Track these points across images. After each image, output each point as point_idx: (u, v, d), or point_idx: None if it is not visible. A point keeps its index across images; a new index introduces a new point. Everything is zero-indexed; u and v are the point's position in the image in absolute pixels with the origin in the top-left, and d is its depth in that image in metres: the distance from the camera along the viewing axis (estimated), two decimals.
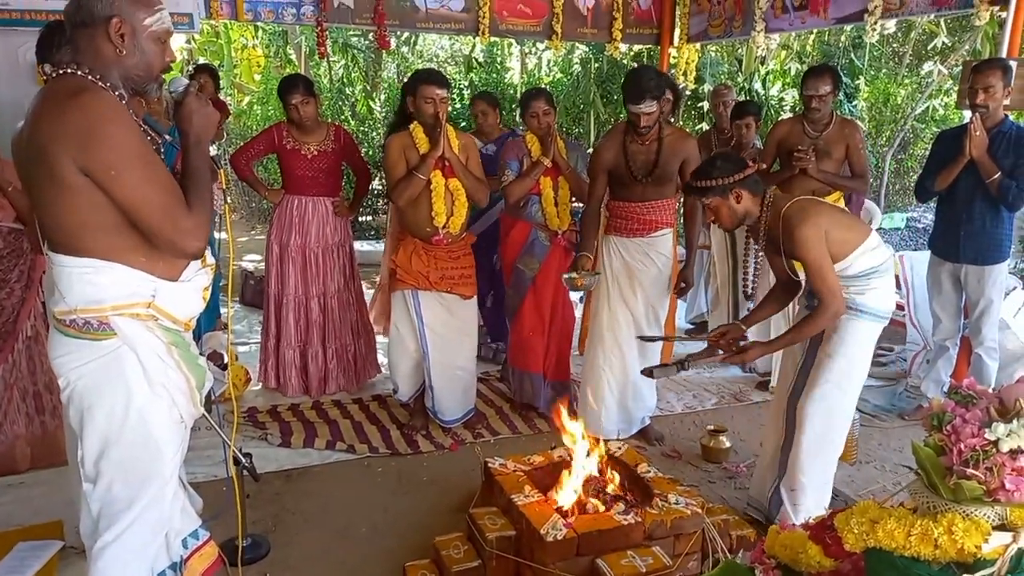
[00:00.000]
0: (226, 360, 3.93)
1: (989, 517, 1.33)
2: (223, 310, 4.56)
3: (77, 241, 1.72)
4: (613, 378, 3.58)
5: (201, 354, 2.01)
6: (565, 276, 3.44)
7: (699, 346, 3.14)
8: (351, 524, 3.03)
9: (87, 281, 1.73)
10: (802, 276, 4.13)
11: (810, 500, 2.80)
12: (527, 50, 11.23)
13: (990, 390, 1.42)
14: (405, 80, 4.70)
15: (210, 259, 1.95)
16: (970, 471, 1.30)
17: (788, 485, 2.85)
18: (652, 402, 3.83)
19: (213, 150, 1.96)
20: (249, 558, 2.74)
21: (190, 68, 8.90)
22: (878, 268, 2.67)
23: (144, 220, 1.71)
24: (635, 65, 3.48)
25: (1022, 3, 3.70)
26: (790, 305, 4.06)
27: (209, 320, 4.27)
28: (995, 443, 1.31)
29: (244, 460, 2.55)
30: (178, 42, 10.01)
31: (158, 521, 1.89)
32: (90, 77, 1.72)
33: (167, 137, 1.98)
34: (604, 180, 3.54)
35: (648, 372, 2.94)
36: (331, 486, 3.34)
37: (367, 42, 10.32)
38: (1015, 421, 1.31)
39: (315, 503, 3.19)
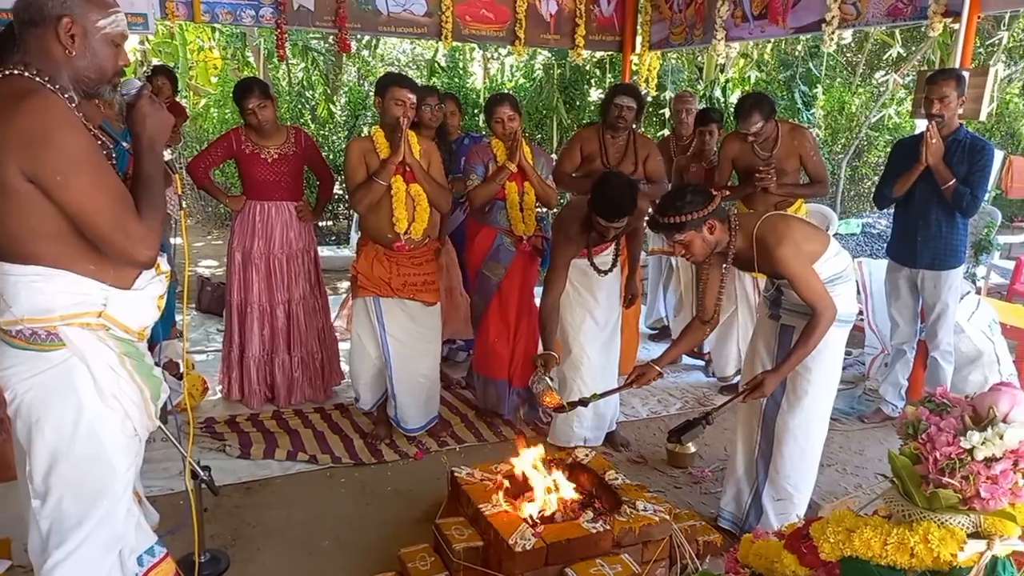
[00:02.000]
0: (182, 369, 3.82)
1: (964, 525, 1.33)
2: (179, 318, 4.43)
3: (23, 248, 1.65)
4: (584, 385, 3.56)
5: (157, 364, 1.94)
6: (536, 383, 3.10)
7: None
8: (313, 537, 2.96)
9: (34, 290, 1.66)
10: (750, 288, 4.23)
11: (800, 509, 2.83)
12: (490, 55, 11.22)
13: (963, 397, 1.43)
14: (364, 84, 4.65)
15: (165, 266, 1.89)
16: (946, 480, 1.31)
17: (775, 496, 2.87)
18: (616, 399, 3.83)
19: (168, 154, 1.88)
20: (207, 574, 2.66)
21: (145, 70, 8.69)
22: (841, 274, 2.70)
23: (92, 227, 1.64)
24: (608, 179, 3.24)
25: (973, 15, 3.80)
26: (753, 308, 4.13)
27: (165, 328, 4.14)
28: (970, 451, 1.31)
29: (202, 473, 2.47)
30: (131, 43, 9.76)
31: (111, 538, 1.83)
32: (38, 79, 1.65)
33: (124, 144, 1.90)
34: (565, 275, 3.40)
35: (676, 439, 2.77)
36: (293, 498, 3.26)
37: (327, 45, 10.19)
38: (989, 429, 1.32)
39: (276, 516, 3.10)
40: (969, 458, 1.31)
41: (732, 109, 9.33)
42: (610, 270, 3.53)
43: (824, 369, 2.74)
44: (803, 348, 2.59)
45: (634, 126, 4.13)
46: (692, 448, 3.67)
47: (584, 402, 3.02)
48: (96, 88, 1.76)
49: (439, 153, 4.10)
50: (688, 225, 2.52)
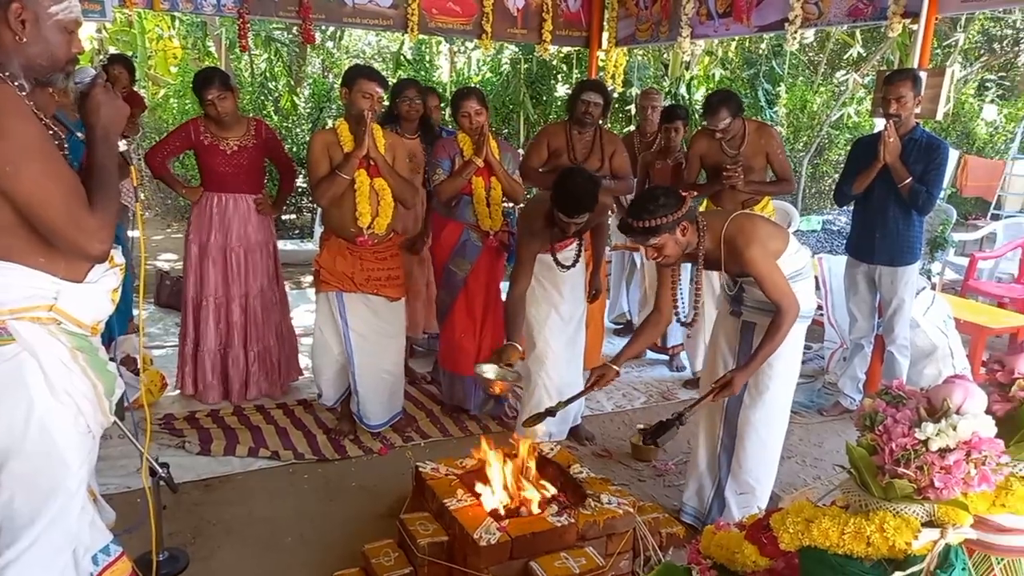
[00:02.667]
0: (140, 365, 3.74)
1: (918, 514, 1.36)
2: (136, 312, 4.34)
3: None
4: (549, 381, 3.56)
5: (113, 359, 1.90)
6: (479, 369, 3.06)
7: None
8: (276, 534, 2.92)
9: None
10: (716, 282, 4.27)
11: (762, 501, 2.88)
12: (456, 48, 11.17)
13: (919, 390, 1.46)
14: (329, 76, 4.60)
15: (118, 259, 1.84)
16: (901, 470, 1.33)
17: (737, 489, 2.91)
18: (582, 400, 3.84)
19: (123, 145, 1.84)
20: (166, 573, 2.62)
21: (102, 58, 8.47)
22: (800, 271, 2.74)
23: (43, 219, 1.59)
24: (571, 177, 3.22)
25: (932, 16, 3.89)
26: (714, 293, 4.18)
27: (122, 323, 4.06)
28: (925, 442, 1.34)
29: (160, 470, 2.43)
30: (88, 30, 9.52)
31: (64, 537, 1.80)
32: None
33: (79, 135, 1.85)
34: (531, 269, 3.39)
35: (652, 441, 2.79)
36: (254, 495, 3.21)
37: (291, 36, 10.05)
38: (943, 420, 1.35)
39: (237, 513, 3.06)
40: (924, 449, 1.34)
41: (697, 106, 9.50)
42: (573, 265, 3.53)
43: (785, 364, 2.78)
44: (769, 345, 2.62)
45: (600, 122, 4.15)
46: None
47: (552, 412, 2.96)
48: (48, 76, 1.71)
49: (423, 146, 4.09)
50: (662, 228, 2.51)
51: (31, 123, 1.58)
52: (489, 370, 3.03)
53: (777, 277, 2.59)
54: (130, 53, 9.33)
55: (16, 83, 1.63)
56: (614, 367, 2.89)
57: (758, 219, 2.77)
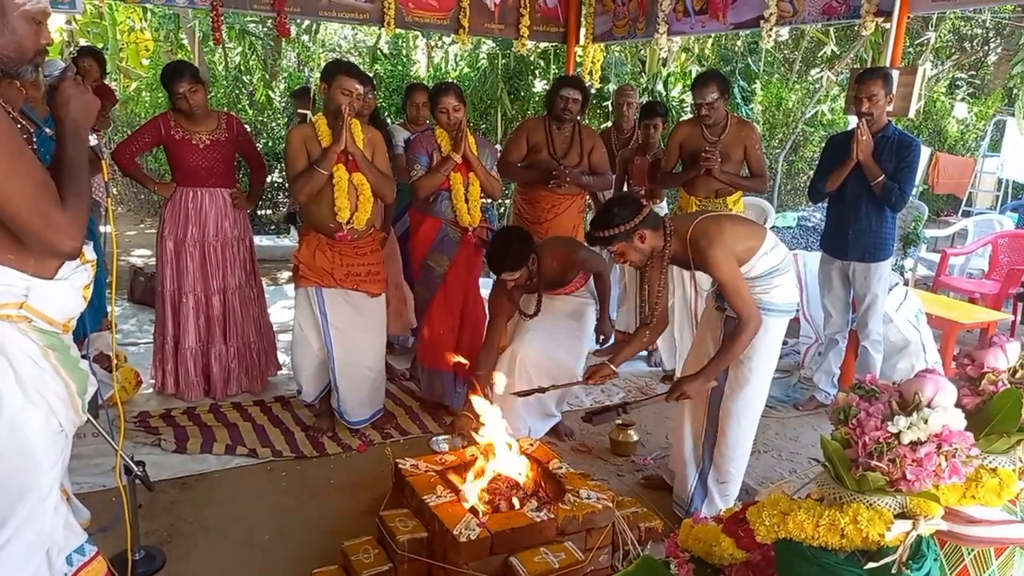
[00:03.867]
0: (114, 362, 3.69)
1: (891, 506, 1.39)
2: (109, 308, 4.28)
3: None
4: (526, 381, 3.54)
5: (85, 356, 1.87)
6: (434, 443, 3.17)
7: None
8: (254, 532, 2.90)
9: None
10: (687, 278, 4.30)
11: (738, 488, 2.99)
12: (433, 43, 11.12)
13: (891, 384, 1.48)
14: (304, 70, 4.55)
15: (90, 255, 1.81)
16: (874, 463, 1.36)
17: (718, 479, 2.97)
18: (561, 404, 3.84)
19: (94, 139, 1.81)
20: (142, 572, 2.59)
21: (72, 51, 8.34)
22: (779, 267, 2.78)
23: (12, 217, 1.56)
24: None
25: (904, 15, 3.94)
26: (688, 299, 4.21)
27: (95, 320, 4.00)
28: (897, 435, 1.37)
29: (136, 468, 2.40)
30: (57, 22, 9.36)
31: (37, 538, 1.77)
32: None
33: (47, 131, 1.82)
34: (501, 325, 3.49)
35: (588, 419, 2.91)
36: (232, 493, 3.19)
37: (266, 29, 9.95)
38: (915, 414, 1.38)
39: (215, 511, 3.03)
40: (896, 442, 1.37)
41: (674, 103, 9.55)
42: (534, 315, 3.49)
43: (760, 359, 2.82)
44: (727, 355, 2.70)
45: (579, 118, 4.16)
46: (635, 436, 3.73)
47: (543, 389, 3.09)
48: (15, 68, 1.67)
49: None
50: (617, 238, 2.65)
51: None
52: (443, 441, 3.14)
53: (740, 285, 2.65)
54: (101, 45, 9.19)
55: None
56: (611, 365, 2.98)
57: (725, 221, 2.79)
